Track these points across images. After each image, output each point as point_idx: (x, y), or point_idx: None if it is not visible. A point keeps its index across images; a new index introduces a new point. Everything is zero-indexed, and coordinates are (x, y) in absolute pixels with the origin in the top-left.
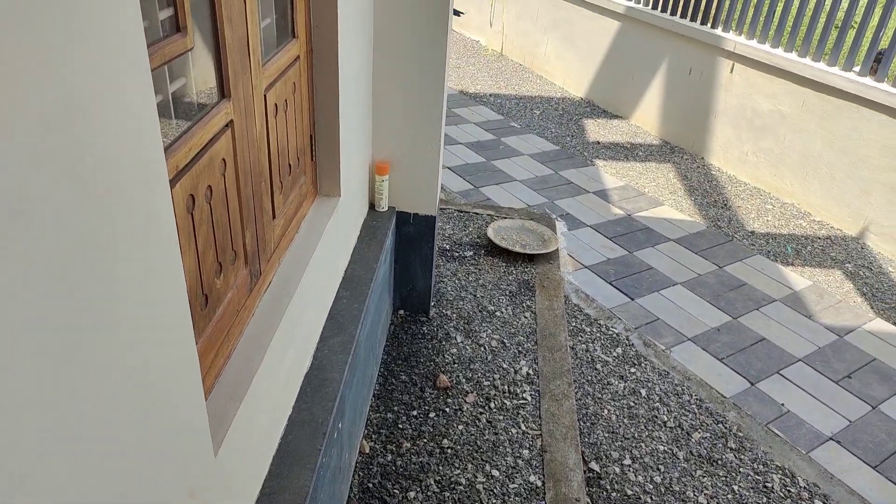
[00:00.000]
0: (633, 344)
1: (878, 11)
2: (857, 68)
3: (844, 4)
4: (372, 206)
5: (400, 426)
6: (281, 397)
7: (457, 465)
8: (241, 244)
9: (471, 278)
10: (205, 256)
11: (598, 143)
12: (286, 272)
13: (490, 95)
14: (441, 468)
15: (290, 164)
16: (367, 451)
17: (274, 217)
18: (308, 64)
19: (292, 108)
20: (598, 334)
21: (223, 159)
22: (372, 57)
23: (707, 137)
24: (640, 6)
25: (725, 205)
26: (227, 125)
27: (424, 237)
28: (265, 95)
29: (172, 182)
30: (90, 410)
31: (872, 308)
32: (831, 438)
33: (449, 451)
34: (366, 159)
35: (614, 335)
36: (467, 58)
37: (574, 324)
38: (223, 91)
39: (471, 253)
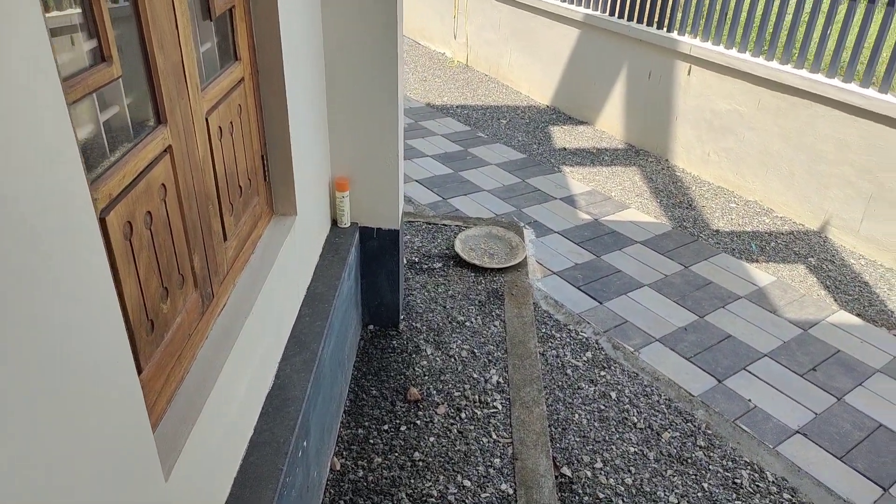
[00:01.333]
0: (602, 347)
1: (824, 9)
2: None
3: (792, 5)
4: (334, 223)
5: (371, 441)
6: (239, 419)
7: (428, 478)
8: (189, 268)
9: (440, 290)
10: (148, 282)
11: (565, 149)
12: (241, 293)
13: (457, 107)
14: (413, 481)
15: (240, 186)
16: (339, 468)
17: (225, 239)
18: (254, 85)
19: (239, 130)
20: (568, 339)
21: (163, 184)
22: (324, 73)
23: (669, 139)
24: (598, 13)
25: (690, 205)
26: (165, 150)
27: (389, 251)
28: (207, 119)
29: (106, 210)
30: (26, 443)
31: (836, 300)
32: (798, 432)
33: (420, 463)
34: (324, 176)
35: (584, 340)
36: (433, 70)
37: (544, 330)
38: (159, 117)
39: (440, 264)
